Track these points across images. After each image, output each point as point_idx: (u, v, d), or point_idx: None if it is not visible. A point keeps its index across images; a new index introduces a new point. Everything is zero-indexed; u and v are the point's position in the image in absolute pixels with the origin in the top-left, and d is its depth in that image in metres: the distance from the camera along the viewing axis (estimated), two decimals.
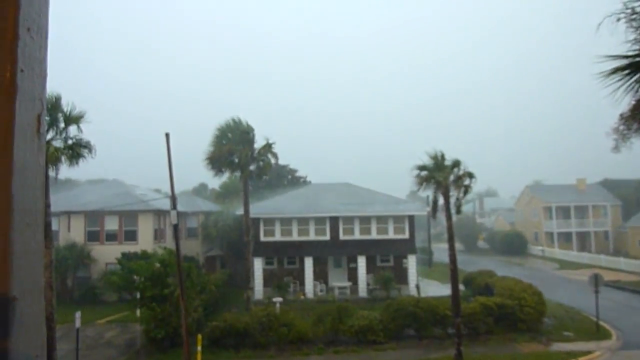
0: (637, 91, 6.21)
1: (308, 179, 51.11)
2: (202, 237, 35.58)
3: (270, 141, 25.83)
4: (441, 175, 20.98)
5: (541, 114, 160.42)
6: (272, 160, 26.37)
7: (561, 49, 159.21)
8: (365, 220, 30.22)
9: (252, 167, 25.63)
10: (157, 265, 19.26)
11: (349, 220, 30.24)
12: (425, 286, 31.22)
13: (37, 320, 0.88)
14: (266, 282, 30.06)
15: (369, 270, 29.58)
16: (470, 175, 21.72)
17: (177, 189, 15.59)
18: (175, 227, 15.57)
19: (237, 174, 25.85)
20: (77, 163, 15.16)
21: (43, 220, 0.93)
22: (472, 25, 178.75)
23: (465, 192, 22.41)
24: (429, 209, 28.07)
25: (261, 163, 25.55)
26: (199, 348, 16.86)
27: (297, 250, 29.94)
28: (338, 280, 30.62)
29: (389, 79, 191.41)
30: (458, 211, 22.31)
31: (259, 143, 25.76)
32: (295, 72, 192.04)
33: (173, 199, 15.38)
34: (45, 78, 0.93)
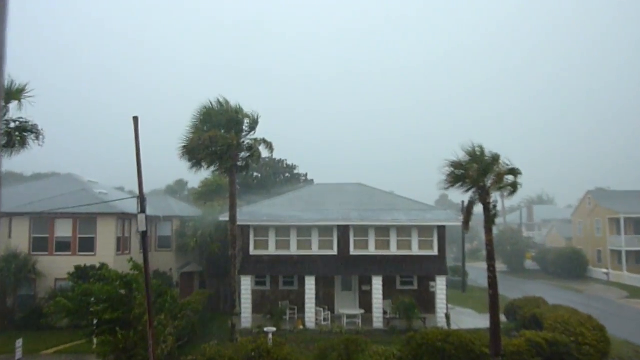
0: None
1: (310, 177, 51.22)
2: (177, 248, 35.80)
3: (257, 118, 25.89)
4: (478, 172, 20.97)
5: (609, 111, 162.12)
6: (267, 152, 26.64)
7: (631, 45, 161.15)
8: (382, 231, 30.25)
9: (239, 159, 25.76)
10: (119, 285, 19.23)
11: (363, 230, 30.25)
12: (457, 316, 31.31)
13: None
14: (256, 306, 30.16)
15: (386, 294, 29.57)
16: (515, 172, 21.70)
17: (148, 188, 15.75)
18: (144, 236, 15.62)
19: (219, 167, 26.03)
20: (18, 152, 15.20)
21: None
22: (533, 20, 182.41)
23: (512, 193, 22.35)
24: (462, 217, 28.25)
25: (249, 153, 25.74)
26: None
27: (295, 268, 30.01)
28: (347, 307, 30.68)
29: (416, 72, 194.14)
30: (492, 220, 22.28)
31: (255, 133, 25.85)
32: (301, 67, 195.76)
33: (141, 199, 15.45)
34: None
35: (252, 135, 26.18)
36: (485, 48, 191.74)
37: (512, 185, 21.91)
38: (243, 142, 25.97)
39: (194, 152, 25.08)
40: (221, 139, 24.57)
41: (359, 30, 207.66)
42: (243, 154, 25.88)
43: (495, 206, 22.82)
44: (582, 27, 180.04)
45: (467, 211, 23.63)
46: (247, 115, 26.22)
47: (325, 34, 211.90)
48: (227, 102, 25.96)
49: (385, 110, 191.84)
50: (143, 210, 15.32)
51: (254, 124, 25.90)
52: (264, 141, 26.10)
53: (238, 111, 25.80)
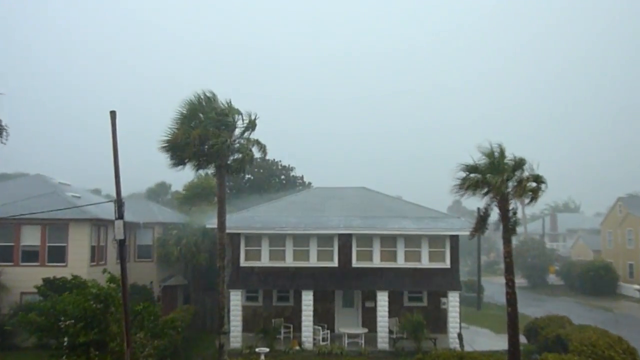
0: None
1: (308, 180, 51.29)
2: (159, 258, 35.74)
3: (253, 123, 25.26)
4: (497, 178, 20.87)
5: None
6: (258, 153, 26.21)
7: None
8: (388, 241, 30.24)
9: (229, 161, 25.46)
10: (92, 301, 18.96)
11: (366, 239, 30.26)
12: (472, 336, 31.20)
13: None
14: (247, 324, 30.10)
15: (392, 311, 29.50)
16: (538, 179, 21.57)
17: (126, 191, 15.78)
18: (121, 244, 15.61)
19: (206, 168, 25.99)
20: None
21: None
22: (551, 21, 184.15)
23: (532, 200, 22.06)
24: (473, 225, 28.11)
25: (240, 156, 25.33)
26: None
27: (291, 281, 29.98)
28: (348, 325, 30.62)
29: (428, 63, 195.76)
30: (512, 231, 22.28)
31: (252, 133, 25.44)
32: (298, 54, 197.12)
33: (119, 203, 15.45)
34: None
35: (248, 135, 25.74)
36: (514, 42, 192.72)
37: (533, 191, 21.73)
38: (235, 141, 25.59)
39: (178, 149, 24.77)
40: (213, 137, 24.36)
41: (361, 20, 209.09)
42: (235, 155, 25.46)
43: (515, 213, 22.75)
44: (615, 28, 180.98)
45: (481, 218, 23.45)
46: (237, 112, 25.69)
47: (331, 26, 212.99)
48: (215, 96, 25.63)
49: (393, 107, 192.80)
50: (121, 216, 15.33)
51: (251, 125, 25.49)
52: (257, 142, 25.85)
53: (228, 108, 25.47)
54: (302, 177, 51.43)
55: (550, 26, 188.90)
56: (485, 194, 22.36)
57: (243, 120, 25.55)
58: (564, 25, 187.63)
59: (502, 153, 22.34)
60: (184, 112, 25.09)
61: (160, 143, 24.80)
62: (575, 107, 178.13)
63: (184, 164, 25.33)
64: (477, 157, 22.07)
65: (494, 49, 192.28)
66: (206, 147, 24.66)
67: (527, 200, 22.57)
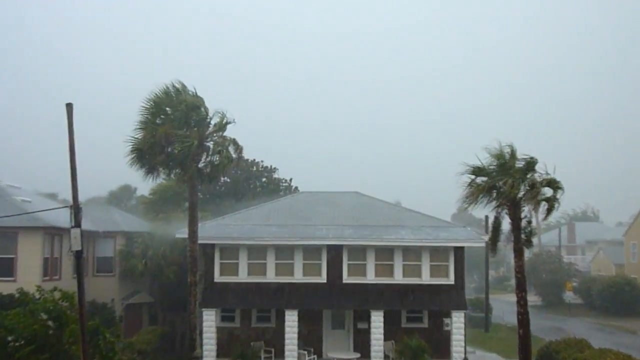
0: None
1: (294, 183, 51.17)
2: (122, 273, 35.57)
3: (229, 119, 25.61)
4: (506, 180, 21.01)
5: None
6: (234, 154, 26.10)
7: None
8: (385, 254, 30.25)
9: (201, 164, 25.48)
10: (44, 317, 18.92)
11: (359, 252, 30.23)
12: None
13: None
14: (222, 347, 29.93)
15: (388, 334, 29.41)
16: (554, 185, 21.79)
17: (85, 195, 15.68)
18: (78, 256, 15.51)
19: (177, 172, 25.77)
20: None
21: None
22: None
23: (548, 212, 22.45)
24: (487, 237, 28.58)
25: (217, 158, 25.39)
26: None
27: (273, 299, 29.83)
28: (338, 349, 30.37)
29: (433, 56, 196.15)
30: (528, 242, 22.60)
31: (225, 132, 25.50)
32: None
33: (76, 209, 15.38)
34: None
35: (222, 133, 25.82)
36: (526, 41, 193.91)
37: (548, 201, 22.01)
38: (208, 140, 25.66)
39: (146, 155, 24.69)
40: (178, 137, 24.23)
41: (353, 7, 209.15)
42: (210, 158, 25.47)
43: (530, 222, 22.80)
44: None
45: (493, 230, 23.59)
46: (201, 103, 25.57)
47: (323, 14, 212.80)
48: (184, 87, 25.52)
49: (390, 97, 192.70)
50: (78, 224, 15.30)
51: (223, 124, 25.57)
52: (234, 142, 25.87)
53: (199, 102, 25.42)
54: (287, 180, 51.35)
55: (564, 21, 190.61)
56: (495, 200, 22.50)
57: (223, 117, 25.48)
58: (578, 25, 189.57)
59: (512, 154, 22.45)
60: (149, 107, 24.93)
61: (128, 153, 24.71)
62: (592, 107, 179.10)
63: (157, 171, 25.33)
64: (484, 159, 22.33)
65: (506, 40, 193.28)
66: (174, 149, 24.45)
67: (541, 209, 22.69)
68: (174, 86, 25.31)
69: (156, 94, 25.13)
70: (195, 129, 25.08)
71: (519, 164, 22.25)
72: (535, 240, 25.19)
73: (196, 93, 25.48)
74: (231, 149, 25.84)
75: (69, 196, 16.10)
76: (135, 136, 24.79)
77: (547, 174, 21.98)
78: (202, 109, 25.46)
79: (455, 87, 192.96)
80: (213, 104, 25.79)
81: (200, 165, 25.37)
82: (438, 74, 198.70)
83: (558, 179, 21.92)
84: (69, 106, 16.00)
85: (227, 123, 25.60)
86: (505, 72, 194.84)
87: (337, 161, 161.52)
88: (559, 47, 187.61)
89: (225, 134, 25.86)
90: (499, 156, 22.22)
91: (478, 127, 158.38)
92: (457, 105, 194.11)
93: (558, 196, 21.99)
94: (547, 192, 21.97)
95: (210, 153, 25.38)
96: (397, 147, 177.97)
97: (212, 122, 25.62)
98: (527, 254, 24.41)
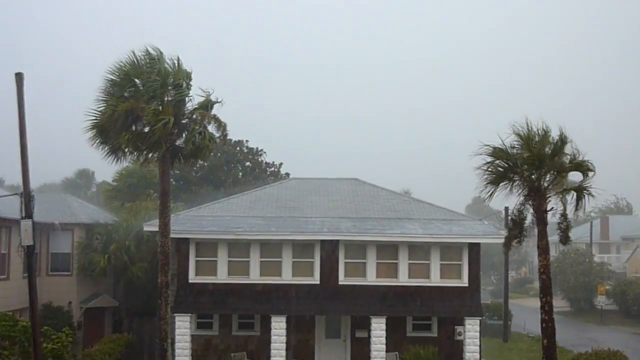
0: None
1: (284, 168, 53.19)
2: (80, 271, 34.96)
3: (213, 97, 25.67)
4: (531, 166, 21.09)
5: None
6: (216, 133, 26.28)
7: None
8: (387, 251, 30.01)
9: (179, 142, 25.49)
10: None
11: (358, 248, 29.99)
12: None
13: None
14: (198, 359, 29.74)
15: (391, 344, 29.06)
16: (583, 168, 21.53)
17: (37, 181, 15.92)
18: (30, 252, 16.10)
19: (150, 154, 25.55)
20: None
21: None
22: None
23: (578, 203, 22.23)
24: (505, 232, 27.63)
25: (197, 137, 25.09)
26: None
27: (257, 303, 29.59)
28: None
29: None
30: (565, 239, 22.83)
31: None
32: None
33: (27, 198, 16.01)
34: None
35: (203, 109, 25.73)
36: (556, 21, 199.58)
37: (577, 191, 21.79)
38: (185, 118, 25.60)
39: (110, 132, 24.44)
40: (149, 113, 23.88)
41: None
42: (190, 136, 25.23)
43: (564, 215, 22.45)
44: None
45: (514, 223, 23.15)
46: (187, 75, 25.49)
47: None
48: (161, 55, 25.08)
49: (397, 79, 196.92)
50: (29, 215, 15.97)
51: (207, 103, 25.61)
52: (215, 119, 25.68)
53: (179, 74, 25.11)
54: (275, 165, 52.76)
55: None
56: (518, 187, 22.31)
57: (208, 96, 25.53)
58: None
59: (545, 134, 22.80)
60: (114, 78, 24.73)
61: (87, 129, 24.72)
62: (620, 94, 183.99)
63: (121, 152, 25.46)
64: (509, 141, 22.25)
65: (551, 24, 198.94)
66: (144, 127, 24.46)
67: (571, 205, 22.44)
68: (149, 53, 25.03)
69: (123, 61, 24.92)
70: (172, 104, 24.81)
71: (546, 148, 21.97)
72: (554, 238, 25.35)
73: (179, 64, 25.10)
74: (213, 127, 25.99)
75: (16, 181, 15.70)
76: (98, 108, 24.62)
77: (577, 154, 21.81)
78: (181, 82, 25.38)
79: (473, 71, 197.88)
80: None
81: (178, 143, 25.39)
82: (457, 54, 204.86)
83: (589, 162, 21.87)
84: (19, 76, 16.73)
85: (213, 102, 25.70)
86: (532, 56, 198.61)
87: (341, 149, 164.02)
88: (598, 27, 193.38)
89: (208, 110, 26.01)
90: (525, 137, 21.76)
91: (496, 113, 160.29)
92: (469, 88, 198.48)
93: (588, 180, 21.93)
94: (576, 177, 22.26)
95: (190, 131, 25.20)
96: (408, 136, 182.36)
97: (195, 101, 25.72)
98: (552, 252, 24.14)
